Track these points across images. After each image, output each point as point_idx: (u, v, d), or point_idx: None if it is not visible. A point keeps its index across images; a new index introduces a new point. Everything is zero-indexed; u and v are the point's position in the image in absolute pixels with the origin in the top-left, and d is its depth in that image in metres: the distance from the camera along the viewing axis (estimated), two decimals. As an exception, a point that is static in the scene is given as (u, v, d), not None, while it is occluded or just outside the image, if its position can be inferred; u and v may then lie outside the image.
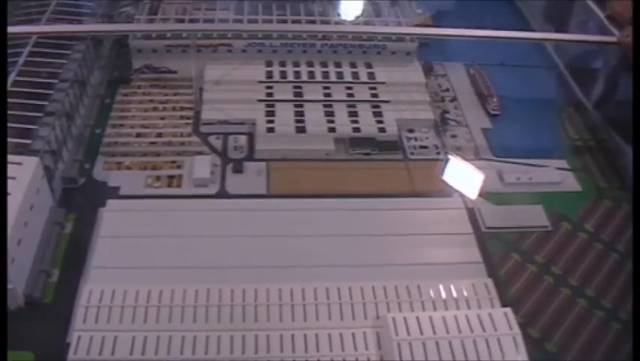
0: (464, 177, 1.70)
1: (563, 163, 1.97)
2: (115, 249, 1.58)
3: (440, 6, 2.52)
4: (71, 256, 1.61)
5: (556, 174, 1.92)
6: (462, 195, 1.76)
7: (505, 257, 1.67)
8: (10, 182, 1.51)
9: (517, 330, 1.40)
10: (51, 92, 1.84)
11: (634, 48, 1.73)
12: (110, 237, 1.61)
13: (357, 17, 2.32)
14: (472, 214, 1.76)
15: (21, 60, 1.92)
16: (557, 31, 2.39)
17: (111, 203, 1.71)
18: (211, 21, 2.18)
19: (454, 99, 2.22)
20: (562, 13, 2.41)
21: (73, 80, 1.92)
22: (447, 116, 2.12)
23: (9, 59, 1.93)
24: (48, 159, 1.68)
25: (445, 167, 1.72)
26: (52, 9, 2.16)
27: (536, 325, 1.52)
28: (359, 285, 1.51)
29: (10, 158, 1.56)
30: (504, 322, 1.41)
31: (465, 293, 1.51)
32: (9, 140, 1.64)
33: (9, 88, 1.81)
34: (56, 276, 1.56)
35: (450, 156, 1.72)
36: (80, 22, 2.15)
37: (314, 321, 1.44)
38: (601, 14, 2.05)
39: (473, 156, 1.98)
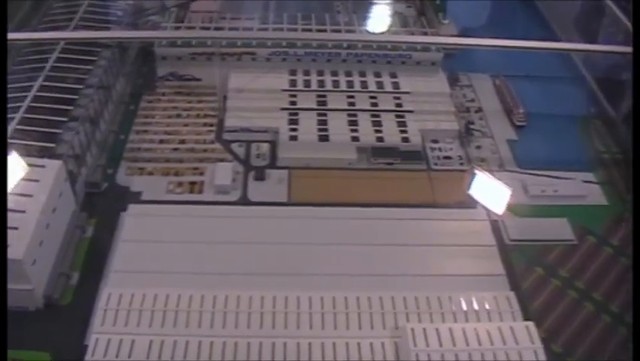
0: (491, 192, 1.68)
1: (590, 176, 1.93)
2: (135, 253, 1.59)
3: (467, 20, 2.50)
4: (91, 259, 1.61)
5: (582, 187, 1.88)
6: (486, 207, 1.74)
7: (528, 270, 1.64)
8: (33, 184, 1.53)
9: (538, 344, 1.37)
10: (76, 97, 1.86)
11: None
12: (130, 241, 1.62)
13: (384, 32, 2.32)
14: (496, 226, 1.73)
15: (48, 65, 1.95)
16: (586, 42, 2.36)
17: (133, 208, 1.72)
18: (236, 29, 2.18)
19: (479, 110, 2.20)
20: (591, 24, 2.38)
21: (99, 86, 1.93)
22: (472, 126, 2.10)
23: (37, 65, 1.96)
24: (72, 163, 1.69)
25: (471, 182, 1.70)
26: (79, 16, 2.18)
27: (559, 340, 1.49)
28: (378, 295, 1.49)
29: (34, 161, 1.58)
30: (525, 335, 1.39)
31: (486, 306, 1.49)
32: (34, 143, 1.67)
33: (35, 93, 1.83)
34: (76, 279, 1.56)
35: (476, 171, 1.70)
36: (106, 29, 2.17)
37: (332, 330, 1.42)
38: (629, 25, 2.01)
39: (498, 167, 1.96)
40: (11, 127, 1.71)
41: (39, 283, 1.47)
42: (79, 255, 1.62)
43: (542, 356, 1.36)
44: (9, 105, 1.78)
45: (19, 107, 1.78)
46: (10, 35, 2.04)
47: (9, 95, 1.82)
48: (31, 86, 1.86)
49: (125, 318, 1.41)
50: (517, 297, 1.52)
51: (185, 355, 1.34)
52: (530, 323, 1.42)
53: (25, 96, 1.82)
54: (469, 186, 1.67)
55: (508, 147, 2.04)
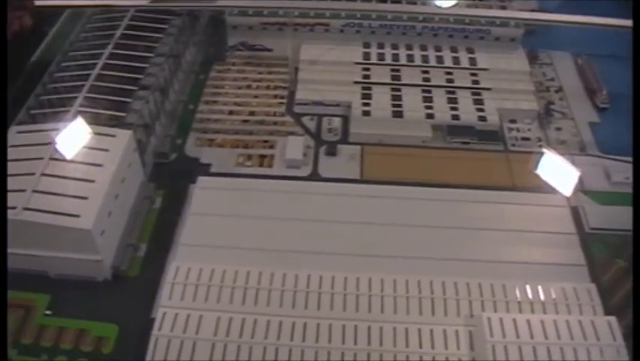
0: (559, 172, 1.60)
1: (677, 163, 1.83)
2: (203, 227, 1.56)
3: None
4: (159, 231, 1.60)
5: (669, 175, 1.78)
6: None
7: (609, 262, 1.57)
8: (102, 154, 1.52)
9: (621, 341, 1.31)
10: (146, 65, 1.83)
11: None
12: (199, 214, 1.59)
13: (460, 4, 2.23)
14: (576, 213, 1.66)
15: (118, 33, 1.93)
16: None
17: (202, 180, 1.69)
18: (309, -1, 2.13)
19: (559, 90, 2.11)
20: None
21: (169, 55, 1.90)
22: (552, 107, 2.01)
23: (106, 32, 1.95)
24: (141, 132, 1.67)
25: (539, 161, 1.63)
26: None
27: (640, 336, 1.42)
28: (452, 280, 1.44)
29: (104, 130, 1.57)
30: (607, 332, 1.32)
31: (566, 297, 1.42)
32: (103, 112, 1.65)
33: (105, 60, 1.81)
34: (143, 251, 1.55)
35: (545, 150, 1.63)
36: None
37: (404, 315, 1.38)
38: None
39: (579, 151, 1.87)
40: (81, 95, 1.69)
41: (107, 254, 1.46)
42: (147, 226, 1.61)
43: (624, 353, 1.29)
44: (79, 73, 1.78)
45: (89, 75, 1.76)
46: (80, 2, 2.05)
47: (79, 63, 1.83)
48: (101, 54, 1.84)
49: (192, 293, 1.39)
50: (597, 289, 1.45)
51: (254, 334, 1.32)
52: (612, 318, 1.35)
53: (95, 64, 1.80)
54: (535, 166, 1.60)
55: (590, 130, 1.95)
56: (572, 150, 1.86)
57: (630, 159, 1.81)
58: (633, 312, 1.30)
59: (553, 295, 1.43)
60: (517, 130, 1.93)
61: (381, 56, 2.09)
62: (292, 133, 1.86)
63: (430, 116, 1.91)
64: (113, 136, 1.56)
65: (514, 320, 1.32)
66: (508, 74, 2.06)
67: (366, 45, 2.13)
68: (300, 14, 2.10)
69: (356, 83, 2.01)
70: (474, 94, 1.99)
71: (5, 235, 1.31)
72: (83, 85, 1.72)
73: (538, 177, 1.65)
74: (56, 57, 1.89)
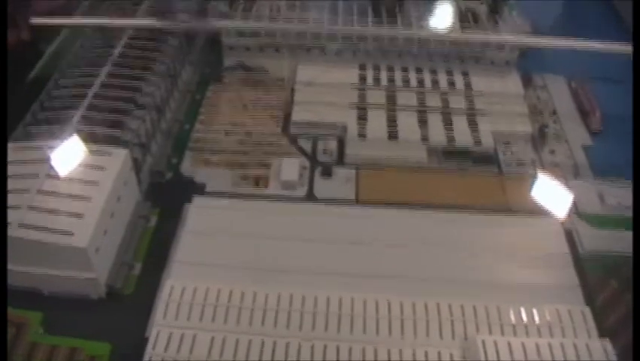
0: (553, 195, 1.61)
1: (670, 187, 1.84)
2: (198, 246, 1.57)
3: (540, 19, 2.40)
4: (154, 249, 1.60)
5: (662, 199, 1.79)
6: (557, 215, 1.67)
7: (603, 284, 1.58)
8: (98, 172, 1.53)
9: (615, 364, 1.31)
10: (143, 85, 1.84)
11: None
12: (194, 233, 1.60)
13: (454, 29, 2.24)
14: (570, 236, 1.67)
15: (115, 52, 1.93)
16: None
17: (197, 200, 1.69)
18: (305, 21, 2.14)
19: (553, 113, 2.12)
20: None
21: (166, 75, 1.91)
22: (546, 130, 2.02)
23: (104, 51, 1.95)
24: (137, 151, 1.67)
25: (533, 184, 1.64)
26: (146, 3, 2.16)
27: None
28: (447, 302, 1.44)
29: (100, 148, 1.58)
30: (602, 355, 1.33)
31: (560, 320, 1.43)
32: (101, 130, 1.66)
33: (102, 80, 1.82)
34: (138, 269, 1.55)
35: (539, 173, 1.63)
36: (174, 16, 2.14)
37: (398, 336, 1.38)
38: None
39: (572, 174, 1.88)
40: (78, 113, 1.69)
41: (102, 272, 1.46)
42: (142, 244, 1.61)
43: (619, 376, 1.29)
44: (76, 91, 1.78)
45: (86, 94, 1.76)
46: (75, 21, 2.07)
47: (77, 81, 1.84)
48: (99, 73, 1.84)
49: (187, 312, 1.39)
50: (592, 312, 1.45)
51: (248, 354, 1.31)
52: (607, 342, 1.36)
53: (93, 83, 1.81)
54: (530, 189, 1.60)
55: (584, 153, 1.96)
56: (565, 173, 1.87)
57: (624, 182, 1.82)
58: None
59: (548, 318, 1.43)
60: (512, 153, 1.94)
61: (377, 79, 2.10)
62: (288, 154, 1.86)
63: (425, 138, 1.92)
64: (109, 154, 1.57)
65: (509, 343, 1.33)
66: (503, 97, 2.07)
67: (362, 67, 2.14)
68: (296, 36, 2.11)
69: (352, 104, 2.01)
70: (469, 117, 2.00)
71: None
72: (80, 103, 1.73)
73: (532, 199, 1.66)
74: (54, 75, 1.90)
